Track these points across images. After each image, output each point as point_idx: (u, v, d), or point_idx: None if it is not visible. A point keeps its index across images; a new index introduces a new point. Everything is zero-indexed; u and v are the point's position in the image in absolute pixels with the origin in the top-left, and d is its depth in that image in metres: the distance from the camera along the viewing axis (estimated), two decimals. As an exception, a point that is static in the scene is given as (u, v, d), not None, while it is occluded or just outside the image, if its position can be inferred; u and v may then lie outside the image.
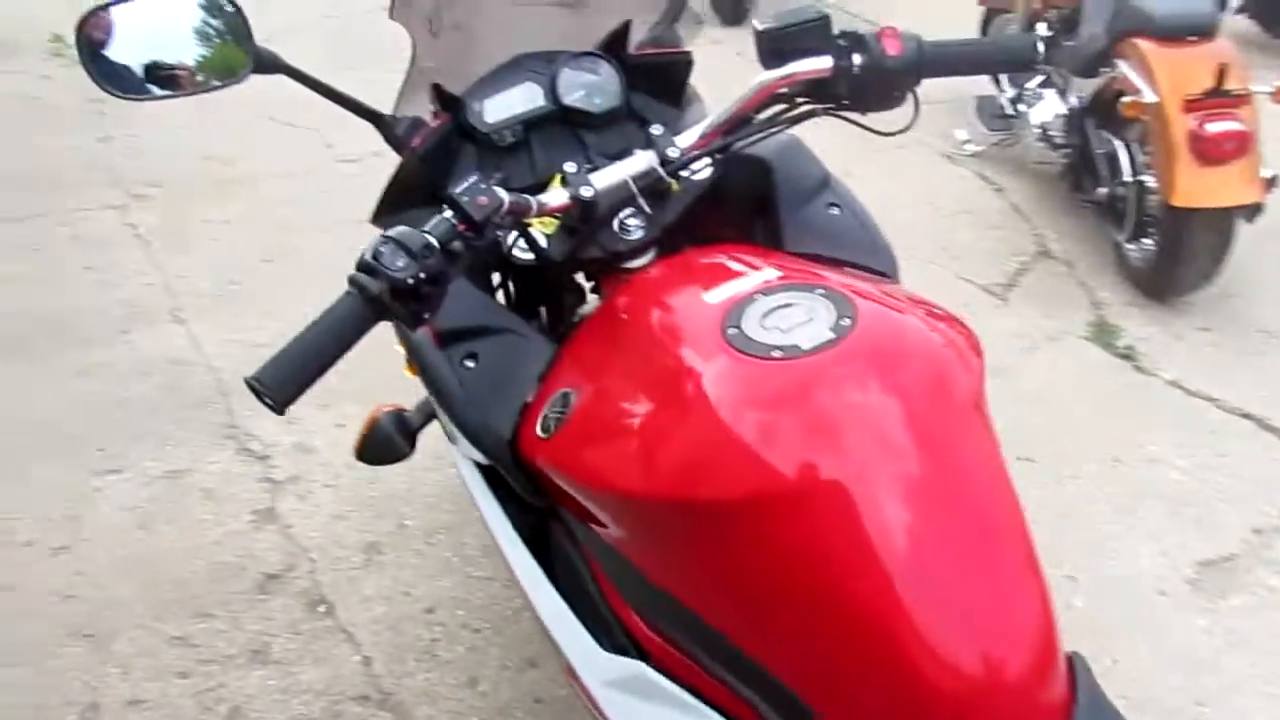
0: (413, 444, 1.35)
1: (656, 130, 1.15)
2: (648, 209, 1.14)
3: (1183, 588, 2.12)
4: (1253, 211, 2.87)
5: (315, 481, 2.17)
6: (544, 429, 1.01)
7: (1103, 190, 3.15)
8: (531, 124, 1.22)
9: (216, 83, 1.09)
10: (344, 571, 1.97)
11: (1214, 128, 2.70)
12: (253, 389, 0.86)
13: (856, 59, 1.10)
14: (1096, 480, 2.36)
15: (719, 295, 0.96)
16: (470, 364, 1.07)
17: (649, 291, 1.05)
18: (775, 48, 1.12)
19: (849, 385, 0.84)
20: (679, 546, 0.89)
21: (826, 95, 1.13)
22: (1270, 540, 2.24)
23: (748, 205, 1.23)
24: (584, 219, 1.12)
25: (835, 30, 1.12)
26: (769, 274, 0.98)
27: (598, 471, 0.92)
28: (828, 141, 3.14)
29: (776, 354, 0.87)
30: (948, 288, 3.10)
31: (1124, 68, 2.99)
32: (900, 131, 1.18)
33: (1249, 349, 2.89)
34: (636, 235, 1.15)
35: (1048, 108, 3.41)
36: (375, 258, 0.88)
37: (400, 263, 0.88)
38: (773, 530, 0.81)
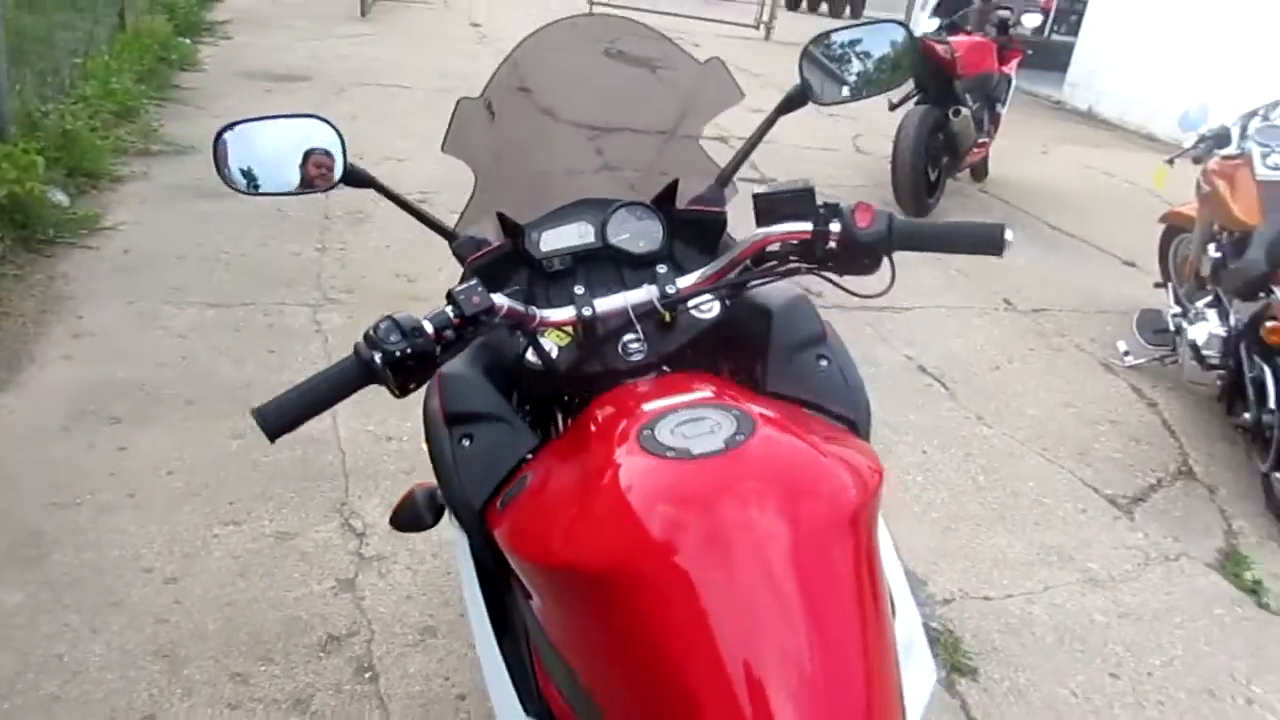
0: (437, 518, 1.52)
1: (661, 269, 1.32)
2: (643, 335, 1.29)
3: (1254, 845, 1.93)
4: None
5: (398, 564, 2.38)
6: (502, 504, 1.16)
7: (1249, 416, 3.03)
8: (580, 257, 1.42)
9: (312, 188, 1.36)
10: (397, 646, 2.13)
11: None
12: (254, 416, 1.06)
13: (833, 227, 1.24)
14: (1178, 707, 2.21)
15: (655, 405, 1.10)
16: (466, 443, 1.24)
17: (616, 400, 1.20)
18: (768, 209, 1.28)
19: (719, 488, 0.95)
20: (565, 611, 1.01)
21: (810, 255, 1.27)
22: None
23: (749, 347, 1.36)
24: (586, 335, 1.29)
25: (819, 200, 1.27)
26: (704, 394, 1.11)
27: (522, 540, 1.06)
28: (985, 336, 3.28)
29: (670, 454, 0.99)
30: (1069, 492, 3.03)
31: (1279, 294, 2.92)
32: (879, 294, 1.29)
33: (1405, 607, 2.63)
34: (636, 358, 1.31)
35: (1206, 327, 3.34)
36: (375, 331, 1.09)
37: (394, 338, 1.08)
38: (622, 601, 0.92)
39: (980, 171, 6.09)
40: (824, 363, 1.32)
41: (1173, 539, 2.87)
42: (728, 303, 1.35)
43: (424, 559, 2.40)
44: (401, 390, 1.12)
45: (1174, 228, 4.09)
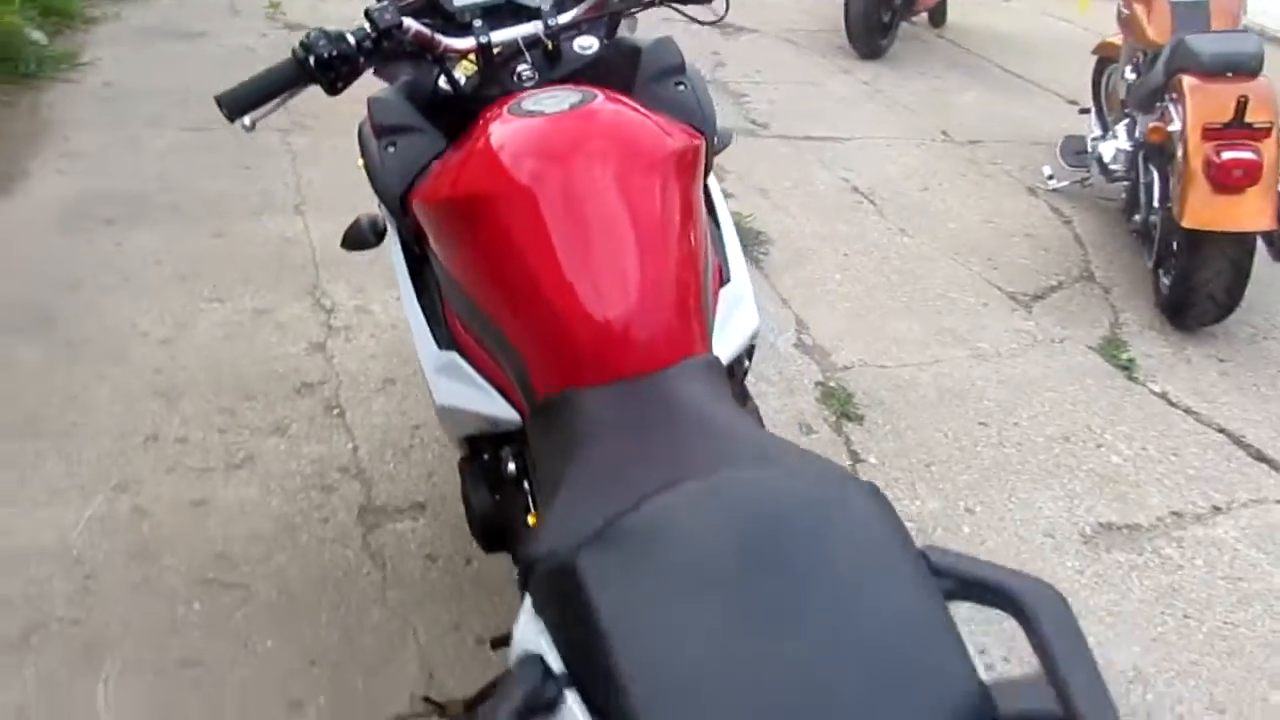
0: (380, 239, 1.87)
1: (546, 5, 1.64)
2: (533, 64, 1.62)
3: (1073, 537, 2.37)
4: (1280, 250, 3.04)
5: (363, 333, 2.75)
6: (416, 187, 1.51)
7: (1138, 217, 3.37)
8: (488, 10, 1.73)
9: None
10: (361, 392, 2.53)
11: (1227, 155, 2.91)
12: (217, 101, 1.40)
13: None
14: (1035, 449, 2.62)
15: (527, 96, 1.44)
16: (390, 149, 1.58)
17: (501, 102, 1.53)
18: None
19: (565, 135, 1.30)
20: (456, 241, 1.37)
21: None
22: (1186, 523, 2.45)
23: (622, 78, 1.69)
24: (485, 63, 1.62)
25: None
26: (566, 88, 1.45)
27: (423, 194, 1.42)
28: (919, 162, 3.61)
29: (528, 115, 1.34)
30: (974, 289, 3.39)
31: (1169, 102, 3.22)
32: (714, 21, 1.62)
33: (1258, 381, 3.03)
34: (528, 83, 1.63)
35: (1115, 144, 3.65)
36: (307, 38, 1.42)
37: (322, 43, 1.41)
38: (491, 217, 1.28)
39: (938, 17, 6.27)
40: (681, 88, 1.65)
41: (1061, 327, 3.25)
42: (605, 41, 1.67)
43: (385, 329, 2.78)
44: (330, 88, 1.45)
45: (1105, 59, 4.34)
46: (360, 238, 1.83)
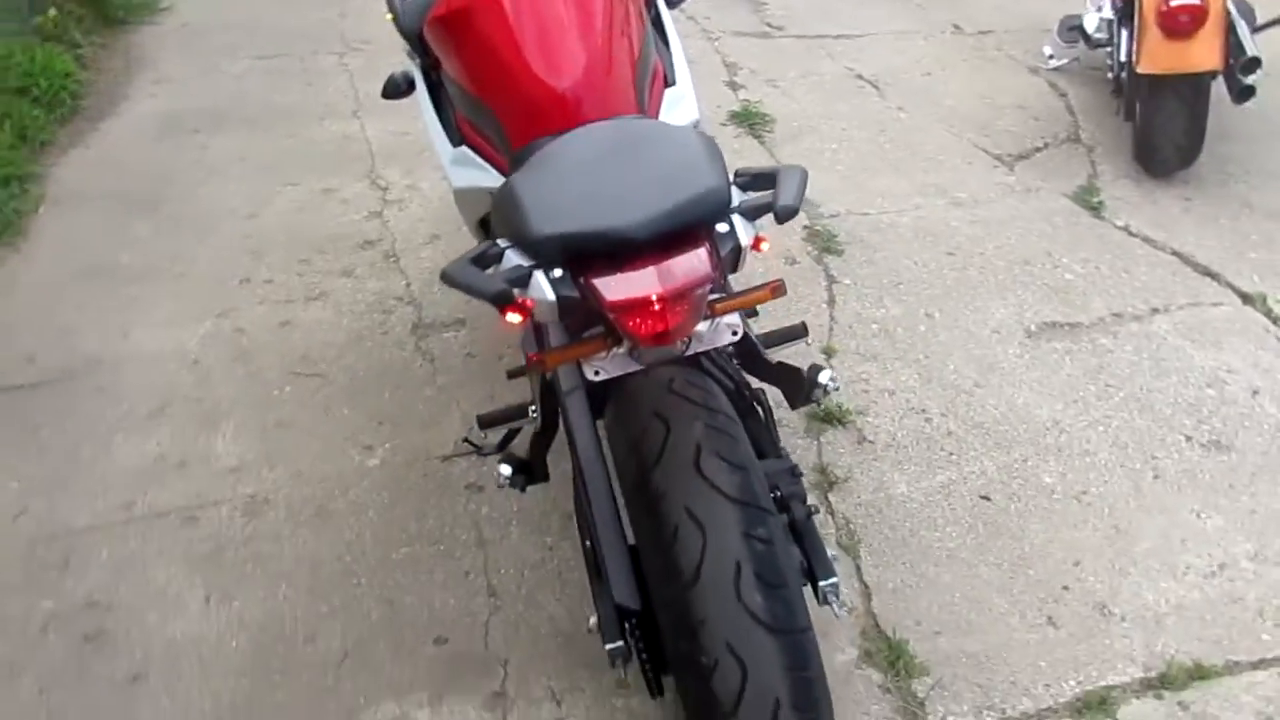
0: (411, 88, 2.41)
1: None
2: None
3: (1018, 332, 2.83)
4: (1243, 93, 3.41)
5: (413, 203, 3.33)
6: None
7: (1111, 75, 3.76)
8: None
9: None
10: (413, 245, 3.11)
11: (1175, 2, 3.28)
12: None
13: None
14: (995, 271, 3.08)
15: None
16: None
17: None
18: None
19: None
20: (453, 49, 1.90)
21: None
22: (1126, 322, 2.88)
23: None
24: None
25: None
26: None
27: (430, 19, 1.95)
28: (925, 52, 4.06)
29: None
30: (961, 152, 3.81)
31: (1136, -40, 3.59)
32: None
33: (1219, 214, 3.41)
34: None
35: (1096, 14, 4.01)
36: None
37: None
38: (473, 24, 1.80)
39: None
40: None
41: (1040, 180, 3.66)
42: None
43: (432, 200, 3.35)
44: None
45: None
46: (395, 88, 2.37)
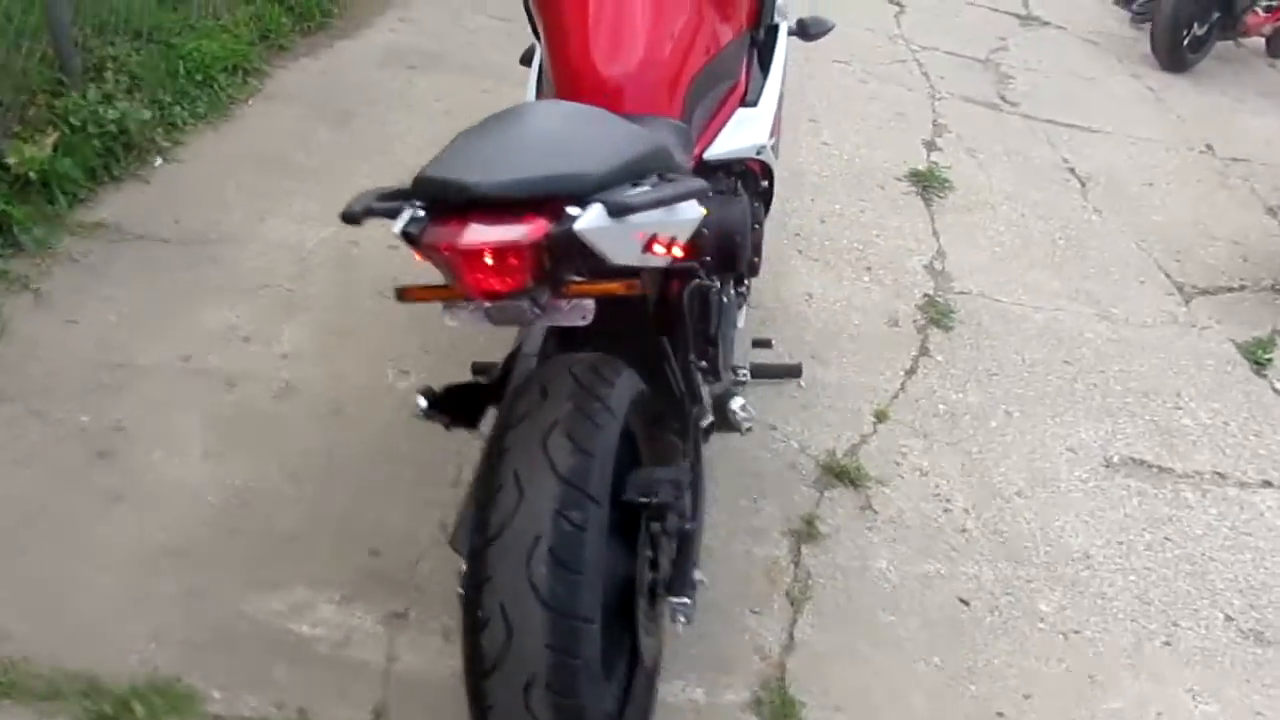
0: None
1: None
2: None
3: (1094, 458, 2.63)
4: None
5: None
6: None
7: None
8: None
9: None
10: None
11: None
12: None
13: None
14: (1108, 393, 2.90)
15: None
16: None
17: None
18: None
19: None
20: (545, 20, 2.00)
21: None
22: (1226, 486, 2.66)
23: None
24: None
25: None
26: None
27: None
28: (1158, 163, 3.90)
29: None
30: (1140, 271, 3.57)
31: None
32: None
33: None
34: None
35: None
36: None
37: None
38: None
39: (1277, 46, 6.05)
40: None
41: (1214, 319, 3.36)
42: None
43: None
44: None
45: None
46: (528, 56, 2.53)
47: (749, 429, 1.81)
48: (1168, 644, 2.14)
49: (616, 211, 1.24)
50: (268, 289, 2.77)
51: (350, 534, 2.10)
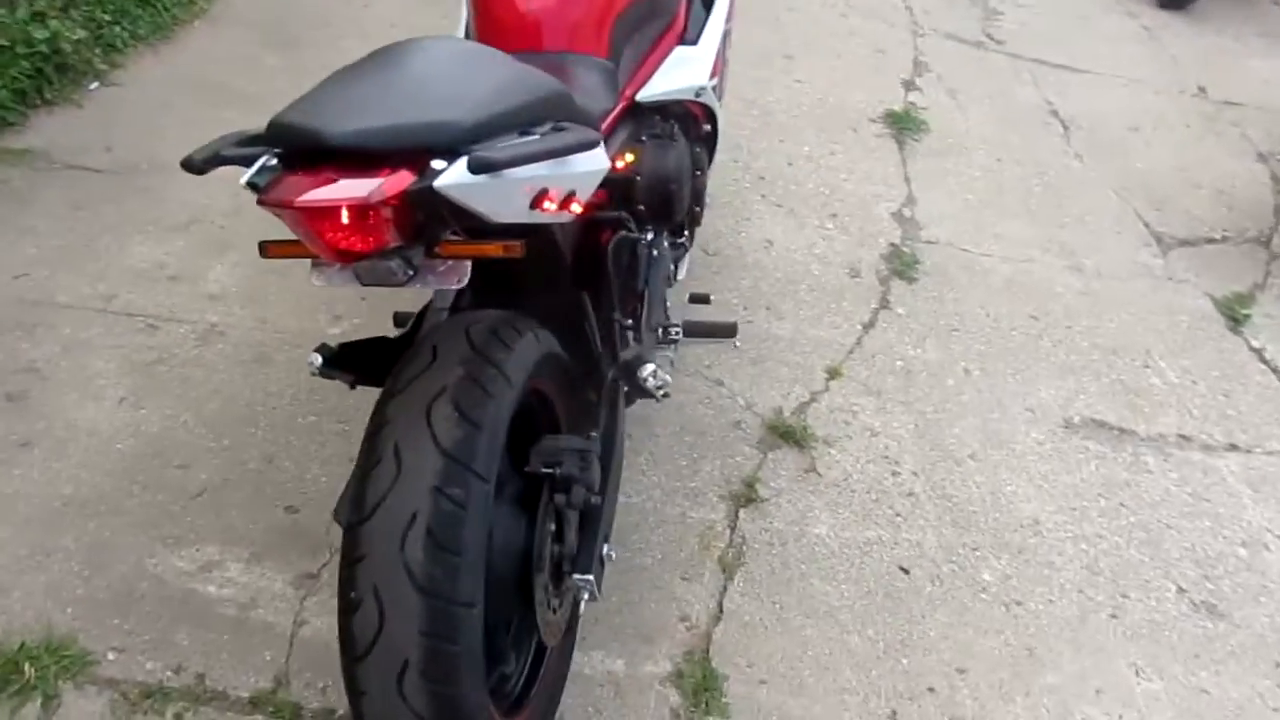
0: None
1: None
2: None
3: (1054, 419, 2.53)
4: None
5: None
6: None
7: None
8: None
9: None
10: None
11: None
12: None
13: None
14: (1073, 350, 2.79)
15: None
16: None
17: None
18: None
19: None
20: None
21: None
22: (1189, 449, 2.54)
23: None
24: None
25: None
26: None
27: None
28: (1147, 107, 3.65)
29: None
30: (1117, 220, 3.43)
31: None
32: None
33: None
34: None
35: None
36: None
37: None
38: None
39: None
40: None
41: (1192, 273, 3.23)
42: None
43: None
44: None
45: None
46: None
47: (664, 395, 1.70)
48: (1114, 616, 2.06)
49: (478, 167, 1.10)
50: (199, 225, 2.63)
51: (267, 489, 2.00)
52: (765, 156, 3.32)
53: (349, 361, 1.62)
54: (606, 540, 1.56)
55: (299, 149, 1.12)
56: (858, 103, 3.74)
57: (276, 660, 1.73)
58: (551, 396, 1.61)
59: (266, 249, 1.30)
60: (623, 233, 1.83)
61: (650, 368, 1.62)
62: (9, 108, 2.79)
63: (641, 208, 1.91)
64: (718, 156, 2.99)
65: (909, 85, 3.98)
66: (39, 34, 2.86)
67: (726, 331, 2.04)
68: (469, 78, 1.25)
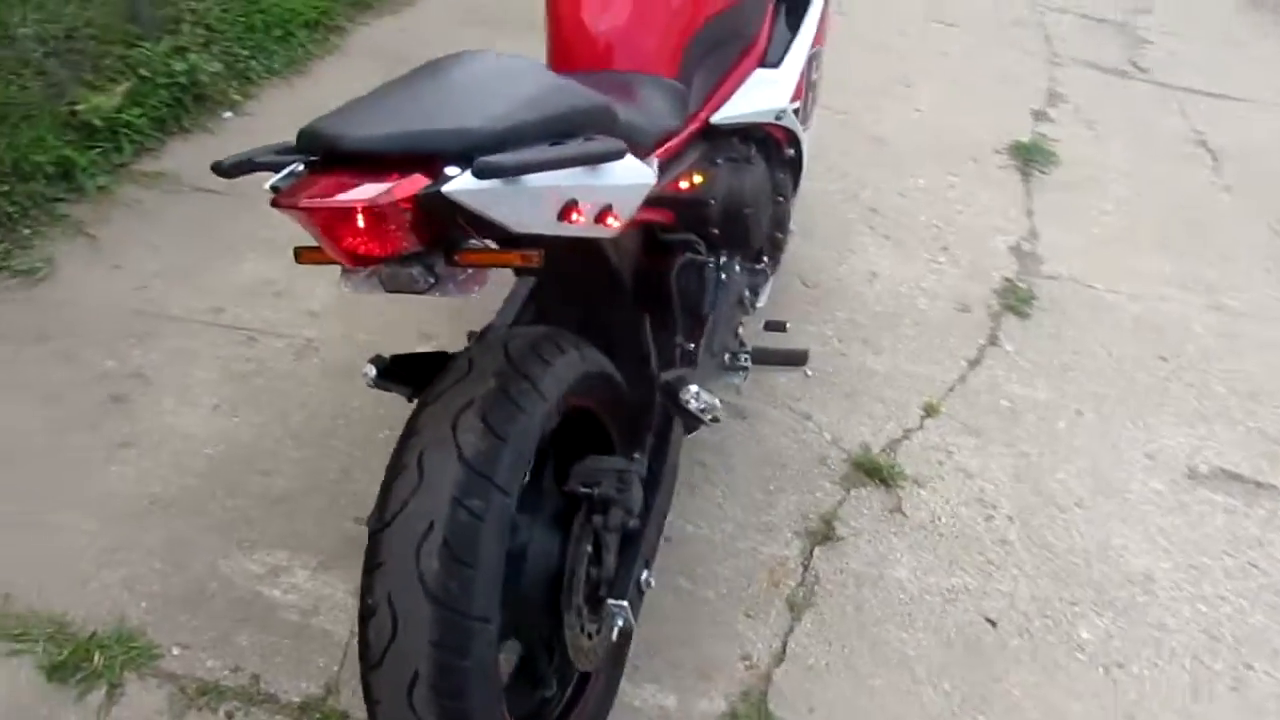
0: None
1: None
2: None
3: (1178, 467, 2.34)
4: None
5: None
6: None
7: None
8: None
9: None
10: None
11: None
12: None
13: None
14: (1207, 395, 2.59)
15: None
16: None
17: None
18: None
19: None
20: None
21: None
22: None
23: None
24: None
25: None
26: None
27: None
28: None
29: None
30: (1269, 254, 3.17)
31: None
32: None
33: None
34: None
35: None
36: None
37: None
38: None
39: None
40: None
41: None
42: None
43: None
44: None
45: None
46: None
47: (713, 419, 1.63)
48: (1234, 689, 1.85)
49: (484, 172, 1.08)
50: (309, 245, 2.72)
51: (341, 500, 2.03)
52: (876, 187, 3.21)
53: (403, 374, 1.62)
54: (648, 567, 1.50)
55: (322, 155, 1.12)
56: (981, 133, 3.59)
57: (329, 668, 1.74)
58: (603, 416, 1.57)
59: (300, 254, 1.31)
60: (689, 255, 1.79)
61: (693, 389, 1.55)
62: (147, 134, 2.97)
63: (715, 231, 1.86)
64: (823, 185, 2.93)
65: (1040, 116, 3.80)
66: (178, 66, 3.05)
67: (797, 360, 1.96)
68: (498, 89, 1.24)
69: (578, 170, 1.22)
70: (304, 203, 1.06)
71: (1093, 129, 3.76)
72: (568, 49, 1.72)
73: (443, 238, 1.19)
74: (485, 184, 1.09)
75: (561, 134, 1.22)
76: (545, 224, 1.21)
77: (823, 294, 2.73)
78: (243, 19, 3.42)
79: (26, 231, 2.62)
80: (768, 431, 2.28)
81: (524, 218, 1.18)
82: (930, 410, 2.39)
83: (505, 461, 1.24)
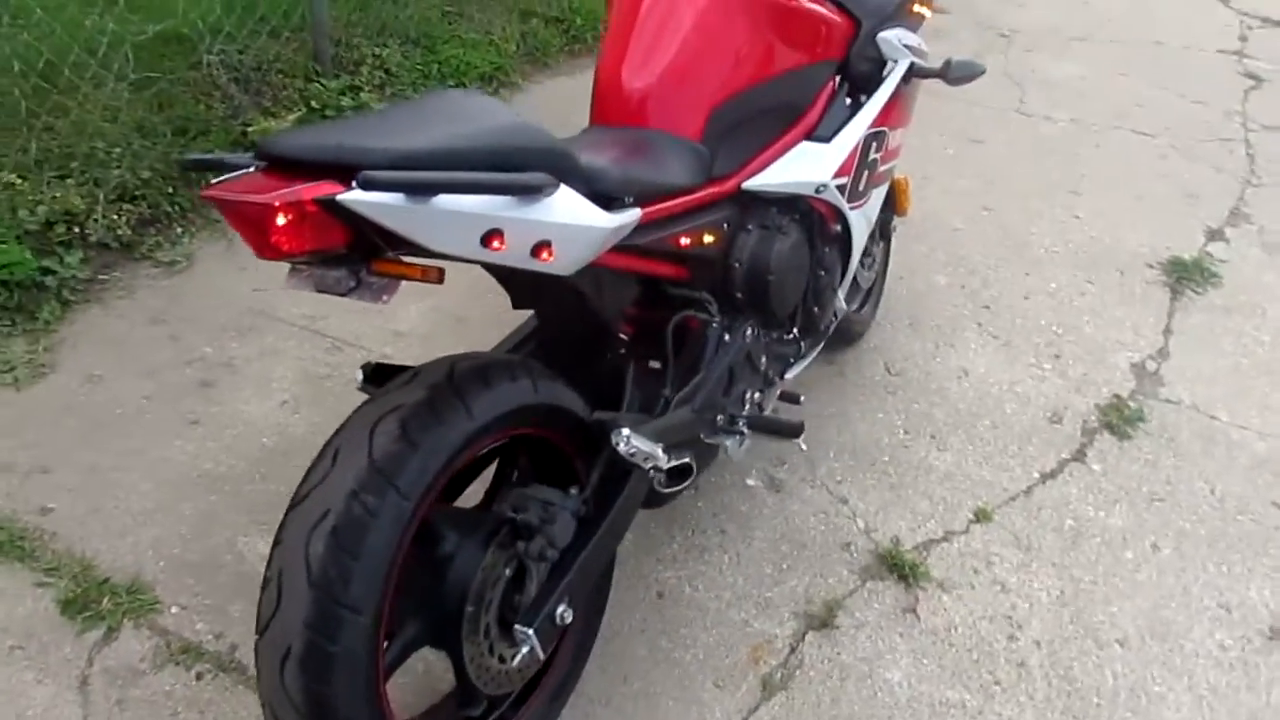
0: None
1: None
2: None
3: (1258, 624, 2.09)
4: None
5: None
6: None
7: None
8: None
9: None
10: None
11: None
12: None
13: None
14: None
15: None
16: None
17: None
18: None
19: None
20: (606, 23, 1.93)
21: None
22: None
23: None
24: None
25: None
26: None
27: None
28: None
29: None
30: None
31: None
32: None
33: None
34: None
35: None
36: None
37: None
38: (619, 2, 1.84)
39: None
40: None
41: None
42: None
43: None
44: None
45: None
46: None
47: (653, 468, 1.62)
48: None
49: (366, 185, 1.15)
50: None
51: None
52: (1000, 286, 3.09)
53: (382, 380, 1.71)
54: (569, 603, 1.50)
55: (266, 159, 1.24)
56: (1138, 246, 3.38)
57: (296, 653, 1.83)
58: (568, 451, 1.60)
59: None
60: (690, 311, 1.81)
61: (625, 433, 1.54)
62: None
63: (738, 295, 1.88)
64: (942, 278, 2.86)
65: (1214, 234, 3.53)
66: (347, 101, 3.36)
67: (791, 431, 1.92)
68: (450, 122, 1.32)
69: (505, 201, 1.27)
70: (210, 193, 1.18)
71: (1272, 254, 3.45)
72: (604, 102, 1.79)
73: (370, 248, 1.27)
74: (385, 198, 1.16)
75: (494, 167, 1.28)
76: (468, 249, 1.27)
77: (904, 383, 2.64)
78: (420, 66, 3.72)
79: (179, 230, 2.96)
80: (798, 508, 2.23)
81: (441, 238, 1.24)
82: (981, 516, 2.25)
83: (411, 467, 1.30)
